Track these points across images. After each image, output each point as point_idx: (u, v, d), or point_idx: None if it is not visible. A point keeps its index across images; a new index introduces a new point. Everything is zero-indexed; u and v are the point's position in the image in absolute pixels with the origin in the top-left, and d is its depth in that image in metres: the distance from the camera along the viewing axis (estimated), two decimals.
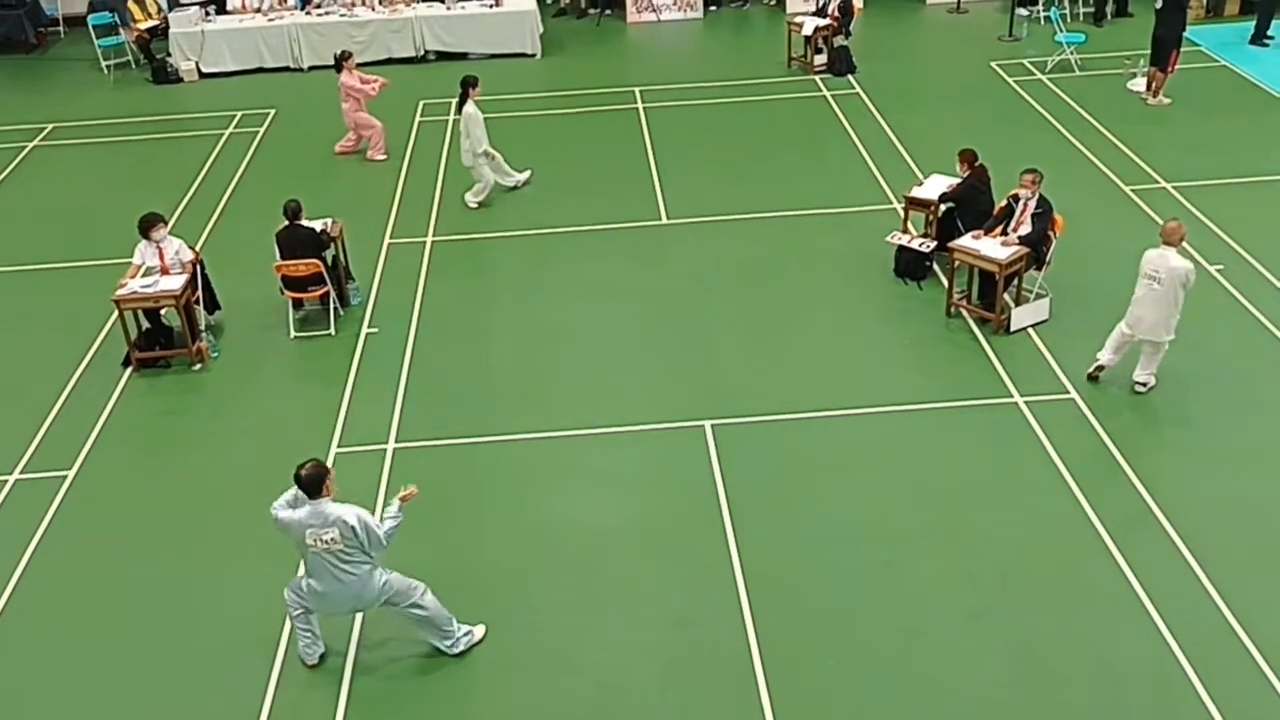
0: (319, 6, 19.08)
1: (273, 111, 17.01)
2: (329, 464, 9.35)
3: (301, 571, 7.48)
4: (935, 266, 11.72)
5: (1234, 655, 7.37)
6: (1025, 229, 10.69)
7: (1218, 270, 11.50)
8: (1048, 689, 7.23)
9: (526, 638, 7.77)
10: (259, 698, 7.42)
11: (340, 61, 14.97)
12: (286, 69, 18.73)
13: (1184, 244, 9.47)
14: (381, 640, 7.76)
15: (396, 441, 9.69)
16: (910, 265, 11.66)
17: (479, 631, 7.72)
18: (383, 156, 15.18)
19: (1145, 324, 9.52)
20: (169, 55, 18.70)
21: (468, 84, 13.39)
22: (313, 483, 7.01)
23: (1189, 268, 9.36)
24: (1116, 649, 7.48)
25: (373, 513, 7.26)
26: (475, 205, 13.72)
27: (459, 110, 13.48)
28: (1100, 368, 9.87)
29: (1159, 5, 15.41)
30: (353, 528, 6.98)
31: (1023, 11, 19.35)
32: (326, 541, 7.01)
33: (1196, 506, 8.59)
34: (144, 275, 10.87)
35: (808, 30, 17.50)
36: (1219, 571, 7.98)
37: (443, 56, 18.97)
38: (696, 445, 9.49)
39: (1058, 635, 7.59)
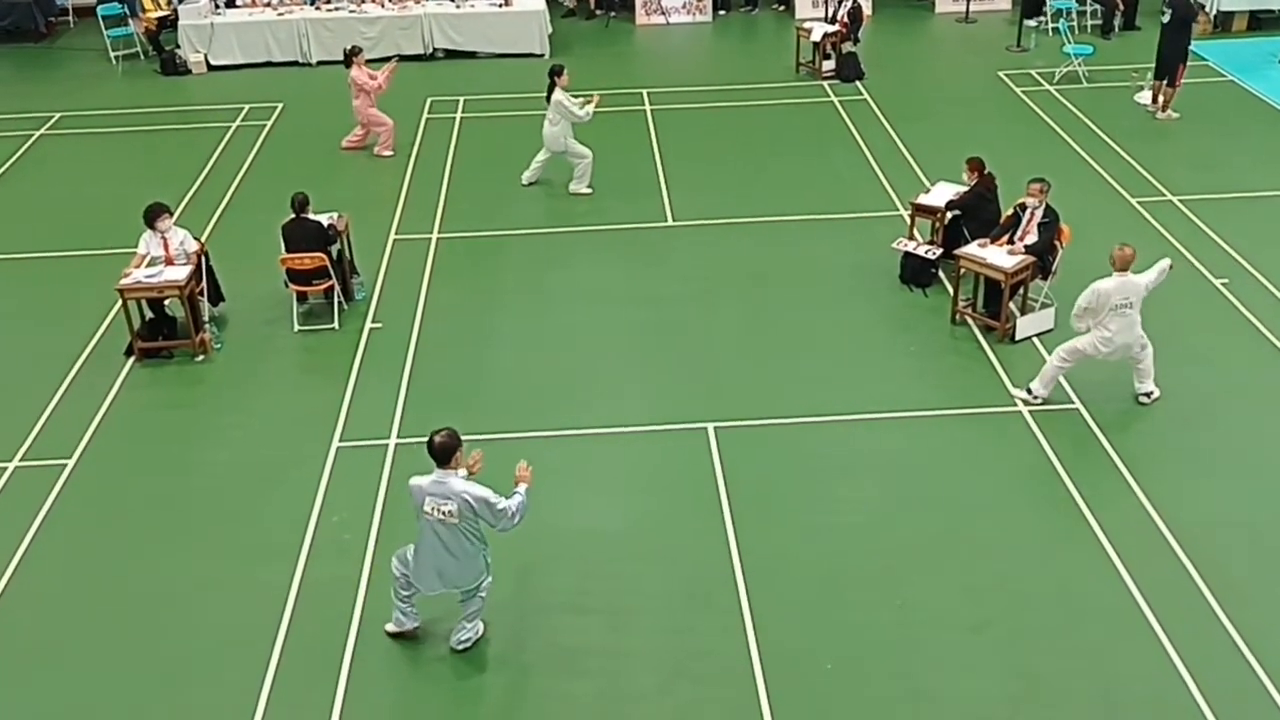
0: (328, 2, 19.07)
1: (280, 105, 17.00)
2: (330, 453, 9.40)
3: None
4: (941, 274, 11.71)
5: (1238, 673, 7.34)
6: (1032, 238, 10.68)
7: (1222, 284, 11.50)
8: (1047, 704, 7.19)
9: (525, 640, 7.75)
10: (255, 691, 7.39)
11: (350, 57, 14.97)
12: (295, 63, 18.75)
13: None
14: (380, 638, 7.74)
15: (398, 437, 9.67)
16: (916, 272, 11.65)
17: (480, 627, 7.69)
18: (389, 153, 15.17)
19: (1122, 350, 9.53)
20: (178, 47, 18.72)
21: (554, 73, 13.58)
22: (443, 451, 7.06)
23: (1149, 281, 9.45)
24: (1118, 664, 7.44)
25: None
26: (588, 190, 13.87)
27: (548, 99, 13.58)
28: (1037, 398, 9.83)
29: (1165, 20, 15.42)
30: (471, 505, 7.03)
31: (1031, 22, 19.36)
32: (444, 514, 7.08)
33: (1200, 520, 8.56)
34: (148, 265, 10.84)
35: (816, 36, 17.51)
36: (1223, 587, 7.95)
37: (451, 55, 18.99)
38: (699, 448, 9.47)
39: (1058, 649, 7.56)
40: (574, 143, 13.80)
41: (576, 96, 13.70)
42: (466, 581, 7.40)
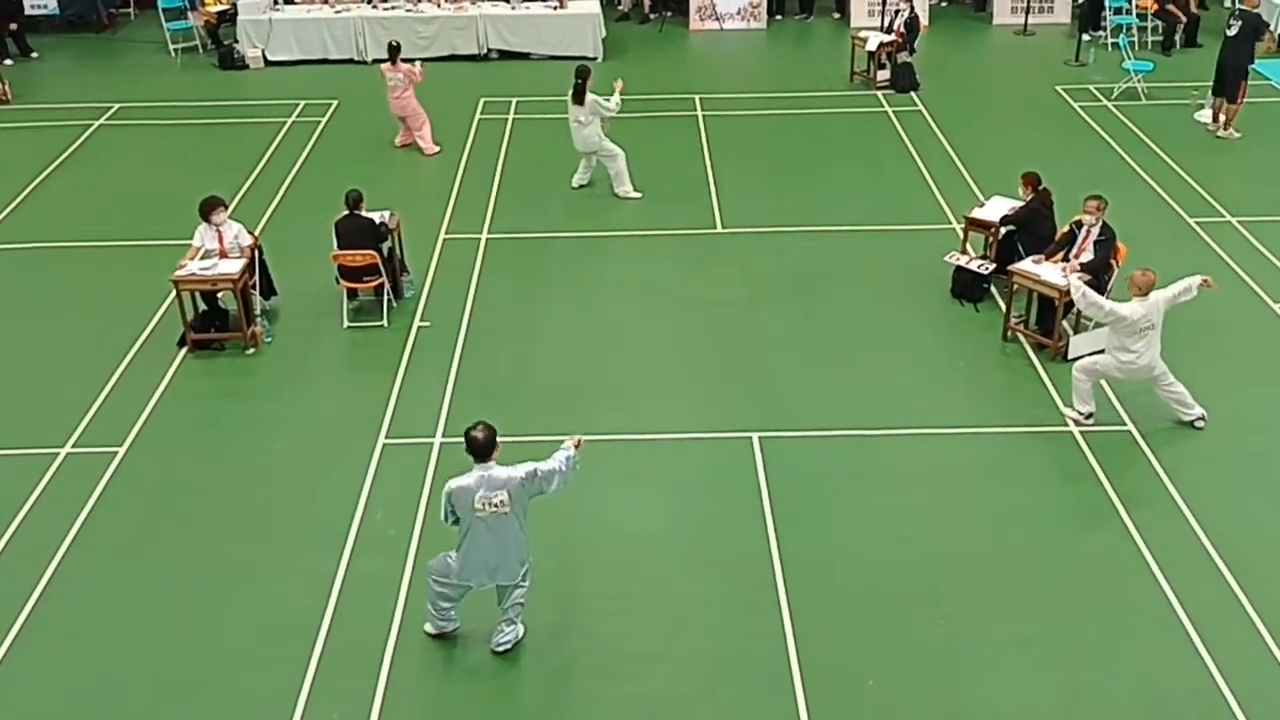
0: (385, 1, 19.22)
1: (335, 102, 17.15)
2: (376, 449, 9.45)
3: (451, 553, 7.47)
4: (993, 289, 11.59)
5: None
6: (1087, 255, 10.54)
7: None
8: None
9: (565, 642, 7.74)
10: (298, 681, 7.43)
11: (394, 52, 14.97)
12: (350, 61, 18.91)
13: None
14: (422, 636, 7.76)
15: (444, 436, 9.70)
16: (968, 286, 11.53)
17: (520, 629, 7.70)
18: (435, 148, 15.23)
19: (1144, 371, 9.40)
20: (236, 41, 18.95)
21: (583, 75, 13.47)
22: (487, 444, 7.09)
23: (1168, 296, 9.28)
24: (1164, 684, 7.33)
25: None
26: (637, 194, 13.83)
27: (577, 101, 13.47)
28: (1088, 418, 9.72)
29: (1232, 33, 15.19)
30: (521, 481, 7.08)
31: (1089, 37, 19.15)
32: (497, 504, 7.09)
33: (1251, 544, 8.41)
34: (203, 258, 10.97)
35: (871, 45, 17.41)
36: (1271, 610, 7.81)
37: (505, 56, 19.09)
38: (743, 456, 9.42)
39: (1104, 668, 7.46)
40: (606, 142, 13.74)
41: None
42: (515, 571, 7.37)
